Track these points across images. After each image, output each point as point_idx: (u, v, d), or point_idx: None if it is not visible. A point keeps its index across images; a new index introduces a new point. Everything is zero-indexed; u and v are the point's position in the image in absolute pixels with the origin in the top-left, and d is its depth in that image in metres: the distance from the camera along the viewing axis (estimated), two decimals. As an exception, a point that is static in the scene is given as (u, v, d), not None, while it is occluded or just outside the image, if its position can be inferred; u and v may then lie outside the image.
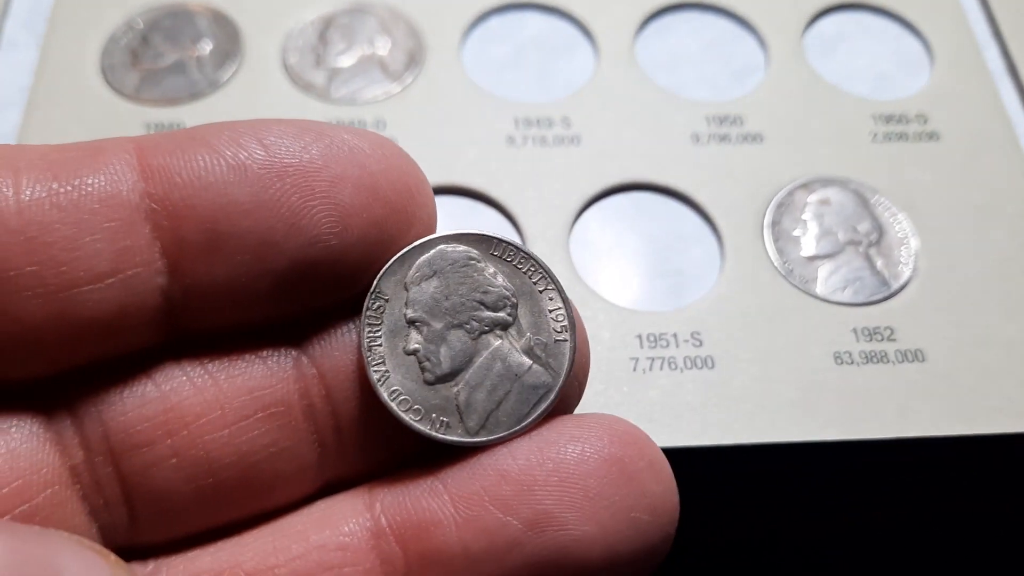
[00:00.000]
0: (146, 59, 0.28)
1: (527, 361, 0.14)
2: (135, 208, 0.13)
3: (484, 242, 0.15)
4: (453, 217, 0.26)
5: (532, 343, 0.14)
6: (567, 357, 0.14)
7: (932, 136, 0.28)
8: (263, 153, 0.13)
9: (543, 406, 0.14)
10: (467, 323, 0.14)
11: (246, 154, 0.13)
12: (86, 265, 0.13)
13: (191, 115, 0.27)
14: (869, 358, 0.24)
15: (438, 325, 0.14)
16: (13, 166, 0.13)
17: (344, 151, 0.14)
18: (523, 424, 0.14)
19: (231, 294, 0.14)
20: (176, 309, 0.14)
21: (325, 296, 0.14)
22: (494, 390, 0.14)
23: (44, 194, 0.13)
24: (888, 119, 0.28)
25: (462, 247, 0.14)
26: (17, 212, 0.13)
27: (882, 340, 0.24)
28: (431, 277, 0.14)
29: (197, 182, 0.13)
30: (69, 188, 0.13)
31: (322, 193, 0.13)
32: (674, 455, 0.23)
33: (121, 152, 0.13)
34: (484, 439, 0.14)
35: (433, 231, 0.15)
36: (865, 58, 0.30)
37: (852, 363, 0.24)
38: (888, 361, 0.24)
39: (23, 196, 0.13)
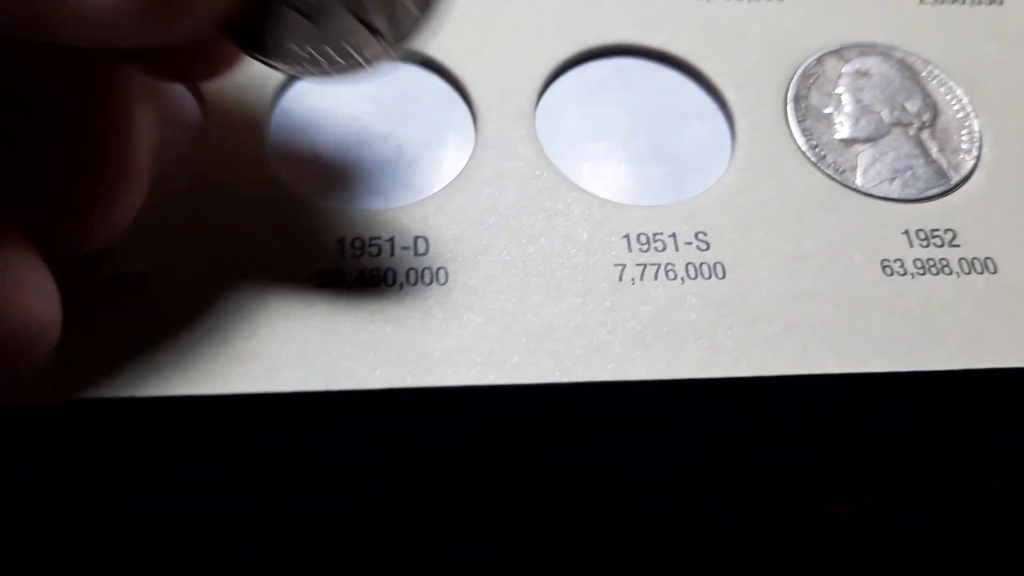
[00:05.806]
0: None
1: None
2: None
3: None
4: (391, 86, 0.20)
5: None
6: None
7: (994, -3, 0.22)
8: None
9: None
10: None
11: None
12: None
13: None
14: (927, 268, 0.18)
15: None
16: None
17: None
18: None
19: None
20: None
21: None
22: None
23: None
24: (939, -25, 0.23)
25: None
26: None
27: (942, 245, 0.19)
28: None
29: None
30: None
31: None
32: (678, 388, 0.17)
33: None
34: None
35: None
36: (906, -94, 0.24)
37: (905, 274, 0.18)
38: (950, 272, 0.18)
39: None
